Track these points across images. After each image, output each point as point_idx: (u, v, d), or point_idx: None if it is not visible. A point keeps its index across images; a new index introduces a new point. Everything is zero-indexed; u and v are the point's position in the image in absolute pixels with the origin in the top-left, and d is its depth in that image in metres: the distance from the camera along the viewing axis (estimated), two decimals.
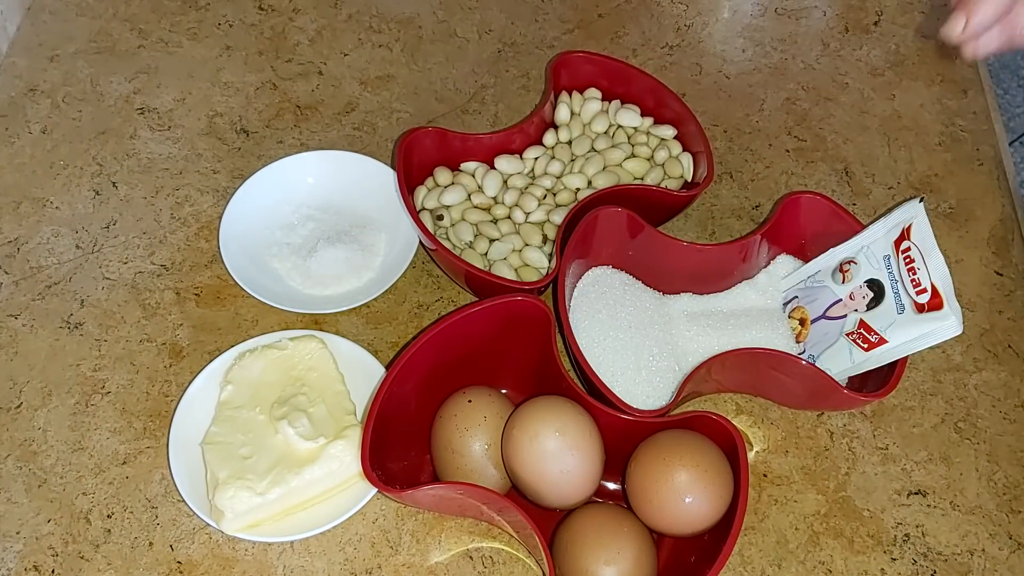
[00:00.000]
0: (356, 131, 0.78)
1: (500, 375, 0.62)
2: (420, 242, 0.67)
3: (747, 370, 0.61)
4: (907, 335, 0.58)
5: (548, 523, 0.57)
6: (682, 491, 0.53)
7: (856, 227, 0.64)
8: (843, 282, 0.62)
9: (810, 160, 0.78)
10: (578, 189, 0.69)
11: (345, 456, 0.57)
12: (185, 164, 0.75)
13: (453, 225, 0.68)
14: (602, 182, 0.69)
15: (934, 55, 0.85)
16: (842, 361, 0.61)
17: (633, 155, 0.71)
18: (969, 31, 0.51)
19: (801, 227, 0.67)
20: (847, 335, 0.61)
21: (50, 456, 0.61)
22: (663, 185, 0.70)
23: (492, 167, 0.71)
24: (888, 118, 0.80)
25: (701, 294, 0.67)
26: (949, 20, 0.52)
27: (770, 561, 0.59)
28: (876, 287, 0.61)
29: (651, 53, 0.84)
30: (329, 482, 0.57)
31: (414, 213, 0.65)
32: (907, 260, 0.59)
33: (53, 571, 0.57)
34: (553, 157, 0.71)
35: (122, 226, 0.71)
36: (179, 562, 0.57)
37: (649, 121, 0.73)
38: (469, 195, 0.69)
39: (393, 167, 0.69)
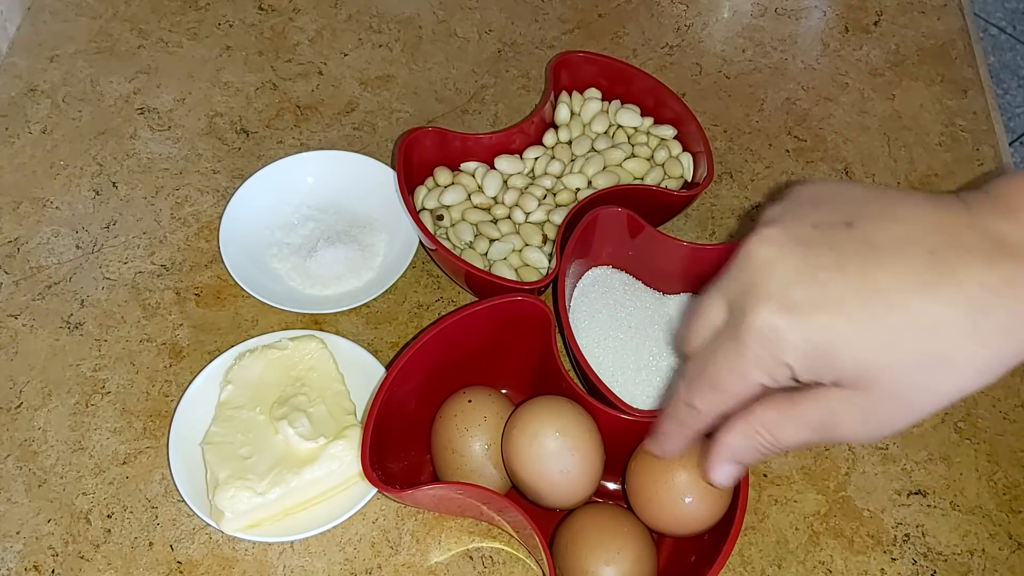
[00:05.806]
0: (356, 131, 0.78)
1: (500, 375, 0.62)
2: (420, 242, 0.67)
3: None
4: None
5: (548, 523, 0.57)
6: (682, 491, 0.53)
7: None
8: None
9: (810, 160, 0.78)
10: (578, 189, 0.69)
11: (345, 456, 0.57)
12: (185, 164, 0.75)
13: (453, 225, 0.68)
14: (602, 182, 0.69)
15: (934, 55, 0.85)
16: None
17: (633, 155, 0.71)
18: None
19: None
20: None
21: (50, 456, 0.61)
22: (663, 185, 0.70)
23: (492, 167, 0.71)
24: (888, 118, 0.80)
25: (701, 294, 0.67)
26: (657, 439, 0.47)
27: (770, 561, 0.59)
28: None
29: (651, 53, 0.84)
30: (329, 482, 0.57)
31: (414, 213, 0.65)
32: None
33: (53, 571, 0.57)
34: (553, 157, 0.71)
35: (122, 226, 0.71)
36: (179, 562, 0.57)
37: (649, 121, 0.73)
38: (469, 195, 0.69)
39: (393, 167, 0.69)
